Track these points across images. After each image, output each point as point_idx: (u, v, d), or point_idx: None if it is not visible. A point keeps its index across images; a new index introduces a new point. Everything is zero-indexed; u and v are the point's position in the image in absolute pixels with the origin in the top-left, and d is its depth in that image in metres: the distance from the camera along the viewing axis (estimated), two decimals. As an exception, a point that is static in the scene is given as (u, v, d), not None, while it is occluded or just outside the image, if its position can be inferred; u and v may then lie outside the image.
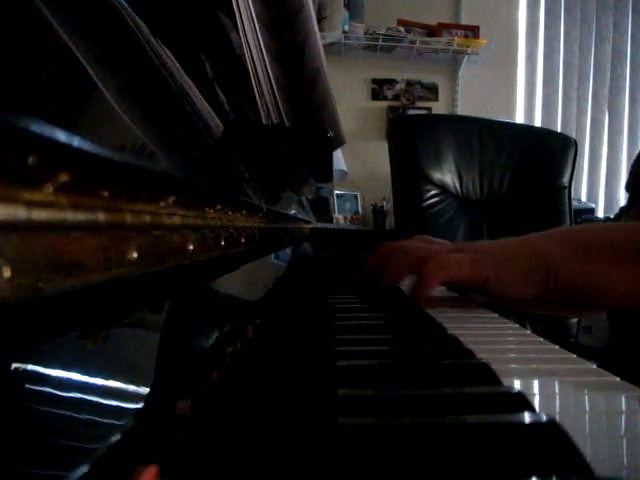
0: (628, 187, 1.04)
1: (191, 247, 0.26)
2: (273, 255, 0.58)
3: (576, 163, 1.76)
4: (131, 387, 0.18)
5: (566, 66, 2.93)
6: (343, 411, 0.20)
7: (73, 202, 0.15)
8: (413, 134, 1.69)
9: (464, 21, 2.85)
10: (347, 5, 2.62)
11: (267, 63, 0.58)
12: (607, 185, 2.98)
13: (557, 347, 0.35)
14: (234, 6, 0.53)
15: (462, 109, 2.83)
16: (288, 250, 0.71)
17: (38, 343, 0.14)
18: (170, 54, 0.31)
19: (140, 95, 0.22)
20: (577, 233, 0.56)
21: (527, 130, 2.04)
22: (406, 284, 0.58)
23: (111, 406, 0.16)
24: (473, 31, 2.81)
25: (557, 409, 0.24)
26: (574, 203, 1.81)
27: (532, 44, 2.94)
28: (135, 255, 0.19)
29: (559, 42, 2.93)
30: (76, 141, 0.13)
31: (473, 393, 0.23)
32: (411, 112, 2.78)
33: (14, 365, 0.13)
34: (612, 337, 0.96)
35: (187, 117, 0.29)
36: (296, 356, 0.29)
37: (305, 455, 0.17)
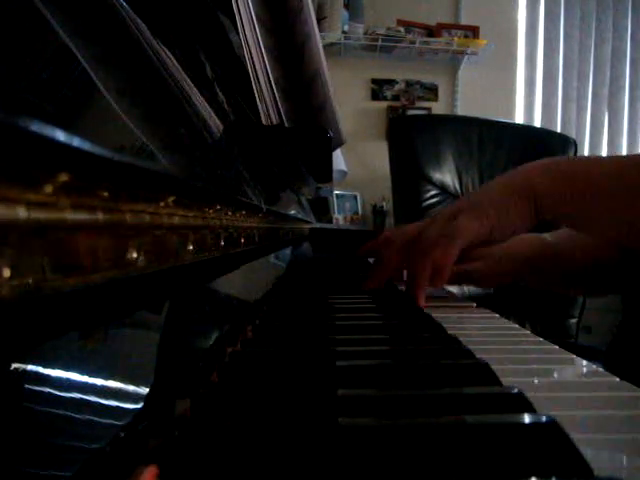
0: None
1: (191, 247, 0.26)
2: (273, 255, 0.58)
3: (576, 163, 1.75)
4: (131, 387, 0.18)
5: (566, 66, 2.93)
6: (342, 411, 0.20)
7: (73, 202, 0.15)
8: (413, 134, 1.69)
9: (464, 21, 2.85)
10: (347, 5, 2.62)
11: (267, 63, 0.58)
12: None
13: (557, 347, 0.35)
14: (234, 7, 0.53)
15: (462, 109, 2.83)
16: (288, 250, 0.71)
17: (38, 343, 0.14)
18: (170, 54, 0.31)
19: (140, 95, 0.22)
20: (562, 163, 0.57)
21: (527, 130, 2.04)
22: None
23: (111, 406, 0.16)
24: (473, 31, 2.81)
25: (557, 409, 0.24)
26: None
27: (532, 44, 2.94)
28: (135, 255, 0.19)
29: (559, 42, 2.93)
30: (76, 141, 0.13)
31: (473, 393, 0.23)
32: (411, 112, 2.78)
33: (14, 365, 0.13)
34: (623, 321, 0.96)
35: (187, 117, 0.29)
36: (296, 356, 0.29)
37: (305, 455, 0.17)
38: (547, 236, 0.82)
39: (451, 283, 0.69)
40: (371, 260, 0.96)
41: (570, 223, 0.55)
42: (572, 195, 0.51)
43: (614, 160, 0.55)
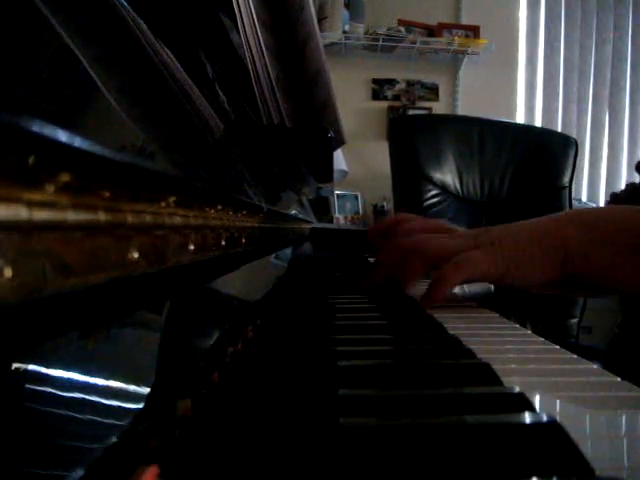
0: None
1: (192, 247, 0.26)
2: (274, 255, 0.57)
3: (576, 163, 1.76)
4: (132, 387, 0.18)
5: (566, 66, 2.93)
6: (344, 411, 0.20)
7: (74, 202, 0.15)
8: (413, 134, 1.69)
9: (464, 21, 2.85)
10: (347, 5, 2.63)
11: (267, 63, 0.58)
12: (607, 185, 2.98)
13: (557, 347, 0.35)
14: (234, 6, 0.53)
15: (462, 109, 2.83)
16: (288, 250, 0.71)
17: (39, 343, 0.14)
18: (171, 54, 0.31)
19: (141, 95, 0.22)
20: (597, 216, 0.53)
21: (527, 130, 2.04)
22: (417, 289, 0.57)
23: (112, 406, 0.16)
24: (473, 31, 2.81)
25: (558, 409, 0.24)
26: (574, 203, 1.81)
27: (532, 44, 2.94)
28: (136, 255, 0.19)
29: (559, 42, 2.93)
30: (77, 141, 0.13)
31: (474, 393, 0.23)
32: (411, 112, 2.78)
33: (15, 365, 0.13)
34: (623, 321, 0.96)
35: (188, 117, 0.29)
36: (297, 356, 0.29)
37: (306, 455, 0.17)
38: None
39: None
40: (372, 260, 0.96)
41: (600, 279, 0.50)
42: (604, 251, 0.48)
43: None
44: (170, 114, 0.26)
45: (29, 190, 0.13)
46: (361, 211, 2.77)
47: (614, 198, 0.89)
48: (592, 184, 2.99)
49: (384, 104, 2.84)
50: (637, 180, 0.90)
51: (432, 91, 2.89)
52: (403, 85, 2.85)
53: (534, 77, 2.94)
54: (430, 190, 1.68)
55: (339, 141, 0.85)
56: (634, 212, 0.50)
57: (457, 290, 0.59)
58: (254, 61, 0.56)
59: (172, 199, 0.23)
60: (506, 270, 0.50)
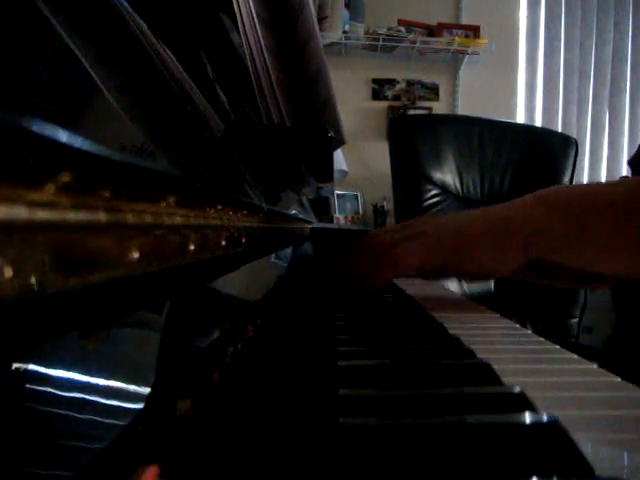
0: (633, 162, 0.92)
1: (192, 247, 0.26)
2: (274, 255, 0.57)
3: (577, 163, 1.76)
4: (132, 387, 0.18)
5: (567, 66, 2.93)
6: (344, 411, 0.20)
7: (74, 202, 0.15)
8: (413, 134, 1.69)
9: (464, 21, 2.85)
10: (347, 5, 2.62)
11: (268, 63, 0.58)
12: (608, 185, 2.98)
13: (558, 347, 0.35)
14: (235, 6, 0.53)
15: (462, 109, 2.83)
16: (289, 250, 0.71)
17: (39, 343, 0.14)
18: (171, 54, 0.31)
19: (140, 95, 0.22)
20: (566, 194, 0.49)
21: (528, 130, 2.04)
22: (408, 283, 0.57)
23: (112, 406, 0.16)
24: (473, 31, 2.81)
25: (558, 409, 0.24)
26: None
27: (533, 44, 2.94)
28: (136, 255, 0.19)
29: (560, 42, 2.93)
30: (77, 141, 0.13)
31: (474, 393, 0.23)
32: (411, 112, 2.78)
33: (15, 365, 0.13)
34: (618, 325, 0.95)
35: (188, 117, 0.29)
36: (297, 356, 0.29)
37: (306, 455, 0.17)
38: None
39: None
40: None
41: (563, 258, 0.46)
42: (570, 229, 0.45)
43: (611, 187, 0.49)
44: (170, 114, 0.26)
45: (29, 190, 0.13)
46: (361, 211, 2.77)
47: None
48: (592, 184, 2.99)
49: (384, 104, 2.83)
50: (630, 175, 0.89)
51: (432, 91, 2.88)
52: (403, 85, 2.85)
53: (534, 77, 2.94)
54: (430, 190, 1.67)
55: (339, 141, 0.85)
56: (604, 186, 0.47)
57: (457, 289, 0.59)
58: (254, 61, 0.56)
59: (172, 199, 0.23)
60: (446, 262, 0.47)
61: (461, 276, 0.48)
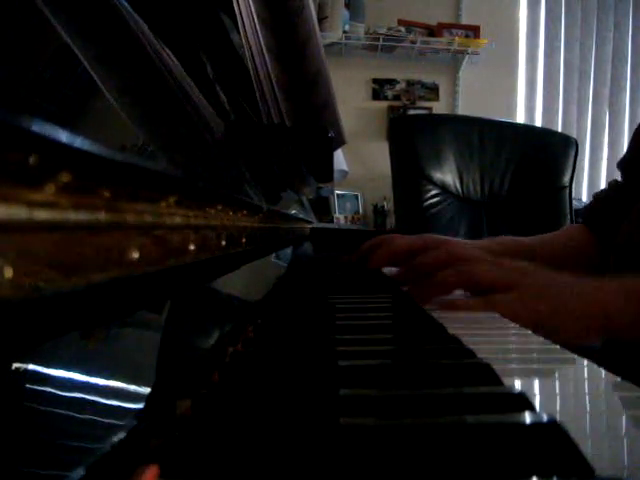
0: (623, 164, 0.91)
1: (192, 247, 0.26)
2: (274, 255, 0.57)
3: (577, 163, 1.76)
4: (132, 387, 0.18)
5: (567, 66, 2.93)
6: (344, 411, 0.20)
7: (74, 202, 0.15)
8: (413, 134, 1.69)
9: (464, 21, 2.85)
10: (347, 5, 2.63)
11: (268, 63, 0.58)
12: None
13: (558, 347, 0.35)
14: (235, 6, 0.53)
15: (463, 109, 2.83)
16: (289, 250, 0.71)
17: (39, 343, 0.14)
18: (171, 54, 0.31)
19: (141, 95, 0.22)
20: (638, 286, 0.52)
21: (528, 130, 2.04)
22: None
23: (112, 406, 0.16)
24: (474, 31, 2.81)
25: (558, 409, 0.24)
26: (575, 203, 1.81)
27: (533, 44, 2.94)
28: (136, 255, 0.19)
29: (560, 42, 2.93)
30: (78, 141, 0.13)
31: (474, 393, 0.23)
32: (411, 112, 2.78)
33: (15, 365, 0.13)
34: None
35: (188, 117, 0.29)
36: (297, 356, 0.29)
37: (306, 455, 0.17)
38: (523, 239, 0.80)
39: None
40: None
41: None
42: None
43: None
44: (170, 114, 0.26)
45: (29, 190, 0.13)
46: (361, 211, 2.77)
47: (599, 199, 0.88)
48: (592, 184, 2.99)
49: (384, 104, 2.84)
50: (619, 178, 0.89)
51: (432, 91, 2.89)
52: (403, 85, 2.85)
53: (534, 77, 2.94)
54: (430, 190, 1.67)
55: (339, 141, 0.85)
56: None
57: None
58: (254, 60, 0.56)
59: (172, 199, 0.23)
60: (538, 322, 0.49)
61: (539, 334, 0.51)
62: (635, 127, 0.87)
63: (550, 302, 0.50)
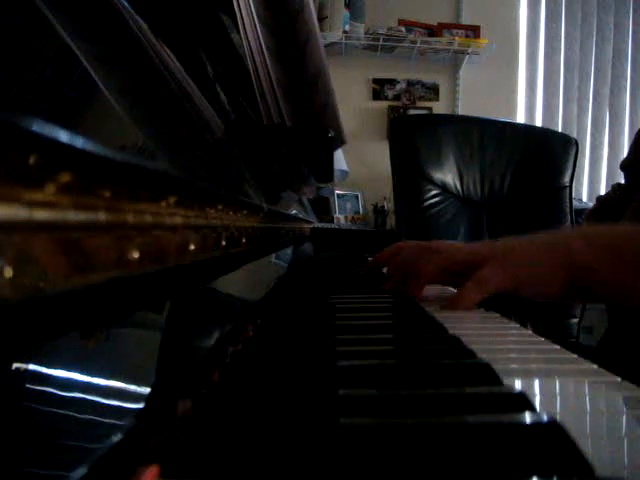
0: (625, 166, 0.93)
1: (192, 247, 0.26)
2: (274, 255, 0.57)
3: (577, 163, 1.75)
4: (132, 387, 0.18)
5: (567, 66, 2.93)
6: (344, 411, 0.20)
7: (75, 202, 0.15)
8: (414, 134, 1.69)
9: (465, 21, 2.84)
10: (348, 5, 2.62)
11: (268, 63, 0.58)
12: (608, 185, 2.98)
13: (558, 347, 0.35)
14: (235, 6, 0.52)
15: (463, 109, 2.83)
16: (289, 250, 0.71)
17: (40, 343, 0.14)
18: (171, 54, 0.31)
19: (141, 95, 0.22)
20: (606, 233, 0.56)
21: (528, 130, 2.04)
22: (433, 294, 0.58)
23: (112, 406, 0.16)
24: (474, 31, 2.80)
25: (558, 409, 0.24)
26: (575, 203, 1.80)
27: (533, 44, 2.94)
28: (136, 255, 0.19)
29: (560, 42, 2.93)
30: (78, 141, 0.13)
31: (474, 393, 0.23)
32: (412, 112, 2.78)
33: (15, 365, 0.13)
34: (610, 327, 0.96)
35: (188, 117, 0.29)
36: (297, 356, 0.29)
37: (306, 455, 0.17)
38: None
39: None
40: (371, 259, 0.96)
41: (603, 293, 0.53)
42: (611, 267, 0.50)
43: None
44: (170, 114, 0.26)
45: (29, 190, 0.13)
46: (361, 211, 2.77)
47: (601, 201, 0.89)
48: (592, 184, 2.99)
49: (384, 104, 2.83)
50: (622, 180, 0.89)
51: (432, 91, 2.88)
52: (403, 85, 2.85)
53: (534, 77, 2.94)
54: (430, 190, 1.67)
55: (339, 141, 0.85)
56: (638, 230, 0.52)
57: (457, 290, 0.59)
58: (254, 60, 0.56)
59: (172, 199, 0.23)
60: (517, 283, 0.52)
61: (521, 296, 0.53)
62: (635, 127, 0.87)
63: (518, 263, 0.53)
